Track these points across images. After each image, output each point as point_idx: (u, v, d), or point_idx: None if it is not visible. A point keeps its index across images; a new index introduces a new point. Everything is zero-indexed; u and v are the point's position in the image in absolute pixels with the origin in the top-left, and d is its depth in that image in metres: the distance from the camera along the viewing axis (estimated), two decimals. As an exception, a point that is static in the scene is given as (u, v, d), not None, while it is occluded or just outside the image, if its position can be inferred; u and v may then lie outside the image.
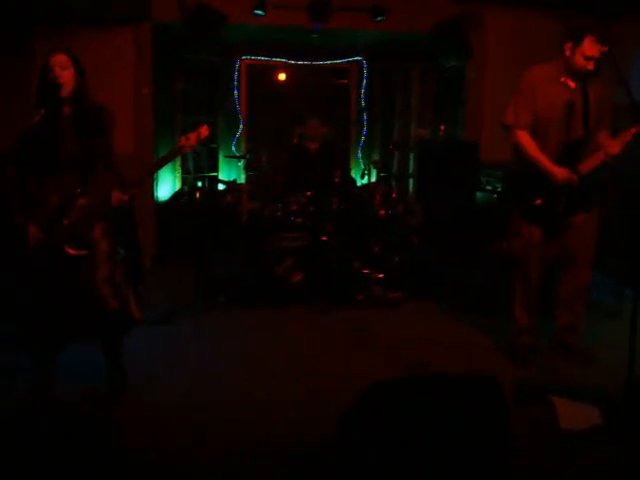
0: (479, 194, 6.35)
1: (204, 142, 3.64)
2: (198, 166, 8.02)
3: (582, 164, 3.77)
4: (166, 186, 7.48)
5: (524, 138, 3.86)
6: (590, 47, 3.64)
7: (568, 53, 3.73)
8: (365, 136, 8.56)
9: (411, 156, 8.30)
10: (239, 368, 4.06)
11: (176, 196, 7.53)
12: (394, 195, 6.37)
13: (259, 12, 6.40)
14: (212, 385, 3.80)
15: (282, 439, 3.14)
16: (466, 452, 2.37)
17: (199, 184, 7.94)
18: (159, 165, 3.65)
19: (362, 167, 8.01)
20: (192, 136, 3.48)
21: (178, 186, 7.71)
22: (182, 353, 4.31)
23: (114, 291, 3.56)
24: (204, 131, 3.50)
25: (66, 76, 3.30)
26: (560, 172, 3.76)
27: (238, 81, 8.11)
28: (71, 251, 3.34)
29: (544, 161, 3.80)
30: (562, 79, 3.79)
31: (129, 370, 3.72)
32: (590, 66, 3.68)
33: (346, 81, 8.64)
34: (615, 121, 3.92)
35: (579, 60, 3.69)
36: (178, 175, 7.74)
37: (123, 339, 3.74)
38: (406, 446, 2.34)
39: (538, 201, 3.85)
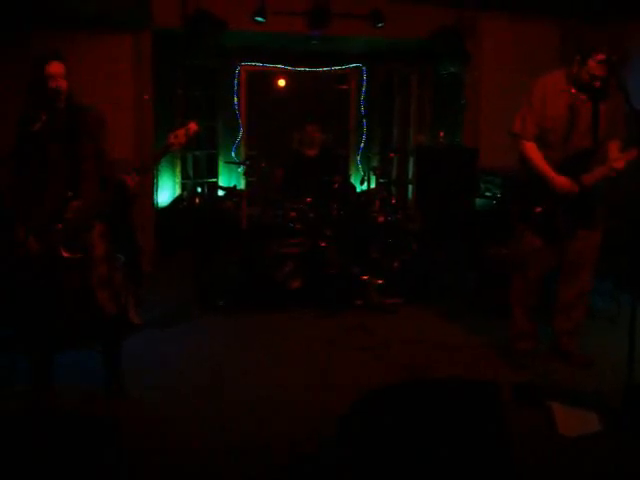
0: (478, 200, 6.37)
1: (197, 142, 3.64)
2: (198, 172, 8.04)
3: (586, 176, 3.76)
4: (166, 192, 7.50)
5: (530, 148, 3.87)
6: (596, 67, 3.61)
7: (576, 68, 3.71)
8: (365, 142, 8.59)
9: (410, 162, 8.32)
10: (238, 372, 4.06)
11: (176, 202, 7.55)
12: (393, 201, 6.36)
13: (259, 19, 6.44)
14: (211, 387, 3.80)
15: (282, 440, 3.14)
16: (465, 456, 2.37)
17: (199, 190, 7.96)
18: (149, 164, 3.65)
19: (361, 173, 8.02)
20: (180, 132, 3.44)
21: (178, 192, 7.73)
22: (181, 356, 4.31)
23: (111, 295, 3.56)
24: (192, 127, 3.46)
25: (65, 85, 3.33)
26: (561, 181, 3.76)
27: (238, 87, 8.14)
28: (65, 254, 3.35)
29: (547, 170, 3.80)
30: (573, 90, 3.77)
31: (127, 372, 3.72)
32: (597, 84, 3.66)
33: (345, 87, 8.68)
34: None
35: (585, 77, 3.68)
36: (178, 181, 7.76)
37: (121, 343, 3.75)
38: (405, 450, 2.34)
39: (538, 209, 3.86)
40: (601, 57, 3.58)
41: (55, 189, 3.36)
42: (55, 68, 3.29)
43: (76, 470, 2.20)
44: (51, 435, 2.30)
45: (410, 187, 8.22)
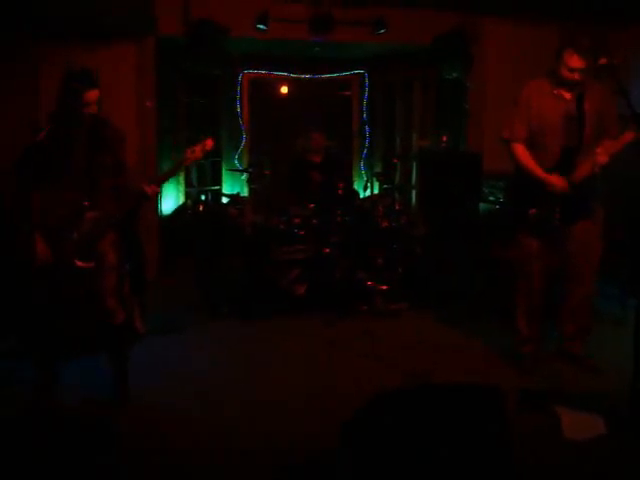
0: (482, 205, 6.35)
1: (207, 155, 3.79)
2: (202, 180, 8.05)
3: (574, 173, 3.81)
4: (170, 200, 7.51)
5: (519, 150, 3.97)
6: (571, 59, 3.70)
7: (556, 65, 3.81)
8: (367, 148, 8.59)
9: (414, 167, 8.31)
10: (241, 377, 4.07)
11: (180, 210, 7.56)
12: (397, 206, 6.37)
13: (261, 26, 6.45)
14: (214, 393, 3.81)
15: (284, 446, 3.14)
16: (469, 461, 2.36)
17: (203, 198, 7.96)
18: (165, 178, 3.85)
19: (365, 179, 8.02)
20: (197, 148, 3.63)
21: (182, 200, 7.74)
22: (185, 362, 4.32)
23: (120, 304, 3.59)
24: (209, 143, 3.66)
25: (96, 110, 3.39)
26: (552, 179, 3.83)
27: (241, 94, 8.16)
28: (79, 263, 3.37)
29: (537, 170, 3.88)
30: (556, 91, 3.87)
31: (132, 378, 3.72)
32: (576, 77, 3.74)
33: (348, 93, 8.69)
34: (621, 131, 3.93)
35: (564, 72, 3.76)
36: (182, 189, 7.76)
37: (128, 351, 3.76)
38: (409, 456, 2.33)
39: (533, 211, 3.90)
40: (573, 49, 3.68)
41: (71, 199, 3.38)
42: (93, 95, 3.34)
43: (76, 470, 2.20)
44: (51, 435, 2.30)
45: (414, 192, 8.22)
